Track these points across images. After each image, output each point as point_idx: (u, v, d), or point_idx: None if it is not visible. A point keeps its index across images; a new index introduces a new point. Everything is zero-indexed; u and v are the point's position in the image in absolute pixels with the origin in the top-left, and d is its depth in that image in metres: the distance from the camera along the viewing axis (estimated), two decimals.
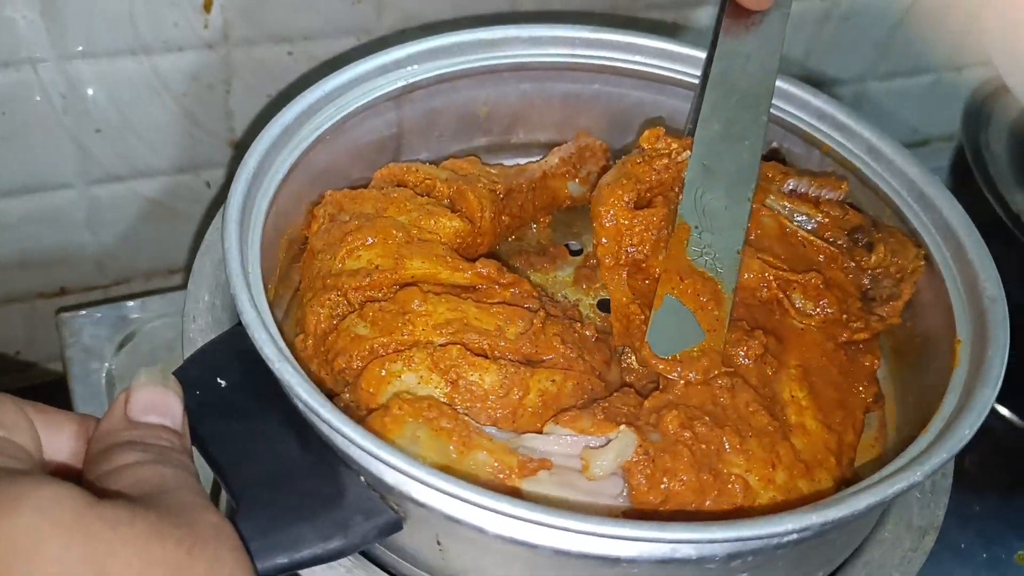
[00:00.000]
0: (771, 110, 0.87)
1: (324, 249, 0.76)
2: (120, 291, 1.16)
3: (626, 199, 0.81)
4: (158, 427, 0.60)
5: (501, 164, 0.91)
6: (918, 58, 1.36)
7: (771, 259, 0.80)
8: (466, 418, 0.67)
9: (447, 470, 0.63)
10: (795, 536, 0.59)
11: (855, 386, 0.77)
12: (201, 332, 0.73)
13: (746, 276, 0.78)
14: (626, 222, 0.80)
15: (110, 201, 1.07)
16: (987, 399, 0.67)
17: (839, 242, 0.83)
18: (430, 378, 0.67)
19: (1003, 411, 1.11)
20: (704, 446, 0.67)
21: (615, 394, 0.72)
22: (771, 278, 0.79)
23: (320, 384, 0.71)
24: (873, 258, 0.82)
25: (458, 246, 0.78)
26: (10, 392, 1.04)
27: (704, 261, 0.77)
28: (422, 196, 0.80)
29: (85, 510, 0.49)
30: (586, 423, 0.67)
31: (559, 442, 0.68)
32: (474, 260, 0.77)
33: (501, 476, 0.65)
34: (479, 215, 0.80)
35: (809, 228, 0.83)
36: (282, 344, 0.64)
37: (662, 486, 0.66)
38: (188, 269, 1.13)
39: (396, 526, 0.62)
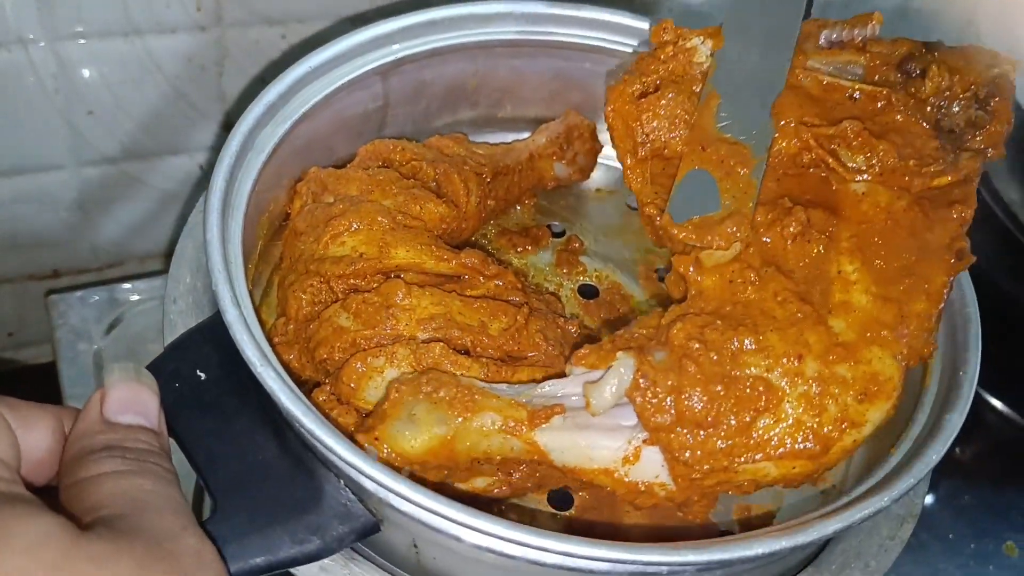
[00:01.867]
0: None
1: (307, 231, 0.75)
2: (113, 273, 1.16)
3: (630, 91, 0.77)
4: (135, 428, 0.60)
5: (487, 142, 0.91)
6: None
7: (808, 119, 0.72)
8: (471, 380, 0.66)
9: (454, 439, 0.63)
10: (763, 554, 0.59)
11: (933, 247, 0.68)
12: (182, 315, 0.72)
13: (783, 144, 0.72)
14: (632, 112, 0.76)
15: (102, 183, 1.07)
16: (954, 425, 0.67)
17: (891, 79, 0.74)
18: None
19: (995, 402, 1.11)
20: (714, 355, 0.63)
21: (641, 316, 0.70)
22: (809, 139, 0.71)
23: (301, 372, 0.71)
24: (928, 84, 0.72)
25: (443, 231, 0.78)
26: (5, 374, 1.05)
27: (732, 127, 0.72)
28: (408, 178, 0.80)
29: (72, 548, 0.49)
30: (595, 358, 0.65)
31: (575, 384, 0.65)
32: (459, 246, 0.77)
33: (513, 433, 0.63)
34: (465, 199, 0.80)
35: (856, 76, 0.75)
36: (265, 345, 0.64)
37: (666, 406, 0.62)
38: None
39: (373, 529, 0.63)
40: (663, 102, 0.76)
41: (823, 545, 0.70)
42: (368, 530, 0.63)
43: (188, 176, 1.10)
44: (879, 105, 0.72)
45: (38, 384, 1.13)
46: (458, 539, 0.58)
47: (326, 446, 0.59)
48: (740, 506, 0.74)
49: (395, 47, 0.84)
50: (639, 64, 0.79)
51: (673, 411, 0.62)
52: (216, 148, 1.08)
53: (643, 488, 0.64)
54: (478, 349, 0.70)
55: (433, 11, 0.85)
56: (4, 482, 0.54)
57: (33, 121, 0.99)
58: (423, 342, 0.68)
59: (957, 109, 0.71)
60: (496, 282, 0.74)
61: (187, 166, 1.09)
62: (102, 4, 0.93)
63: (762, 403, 0.62)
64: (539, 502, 0.72)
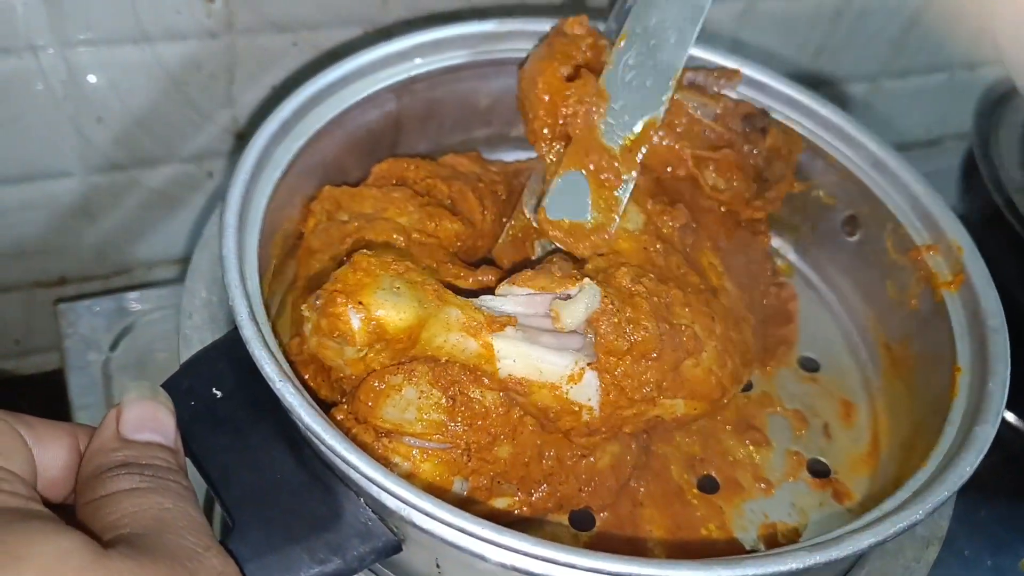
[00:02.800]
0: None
1: (322, 249, 0.75)
2: (120, 281, 1.14)
3: (561, 71, 0.81)
4: (152, 445, 0.59)
5: (501, 160, 0.90)
6: (932, 56, 1.34)
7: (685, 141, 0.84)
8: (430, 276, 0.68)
9: (423, 322, 0.65)
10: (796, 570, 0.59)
11: (756, 258, 0.84)
12: (197, 330, 0.72)
13: (663, 152, 0.83)
14: (561, 93, 0.80)
15: (110, 190, 1.06)
16: (987, 436, 0.67)
17: (734, 128, 0.84)
18: (431, 393, 0.66)
19: (1011, 418, 1.10)
20: (656, 299, 0.69)
21: (552, 257, 0.74)
22: (687, 156, 0.83)
23: (317, 391, 0.70)
24: (768, 140, 0.84)
25: (458, 249, 0.77)
26: (10, 381, 1.04)
27: (615, 137, 0.80)
28: (422, 196, 0.79)
29: (93, 566, 0.48)
30: (544, 281, 0.68)
31: (524, 303, 0.68)
32: (474, 263, 0.76)
33: (472, 332, 0.65)
34: (480, 217, 0.79)
35: (709, 116, 0.85)
36: (283, 360, 0.63)
37: (626, 334, 0.67)
38: (189, 260, 1.12)
39: (395, 548, 0.62)
40: (587, 89, 0.80)
41: (848, 568, 0.69)
42: (390, 549, 0.62)
43: (197, 183, 1.09)
44: (723, 145, 0.84)
45: (44, 392, 1.12)
46: (483, 557, 0.57)
47: (348, 463, 0.58)
48: (764, 524, 0.74)
49: (408, 65, 0.84)
50: (562, 47, 0.83)
51: (629, 340, 0.67)
52: (225, 155, 1.07)
53: (575, 408, 0.67)
54: None
55: (445, 29, 0.85)
56: (22, 499, 0.53)
57: (42, 128, 0.98)
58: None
59: (777, 166, 0.86)
60: None
61: (196, 173, 1.08)
62: (112, 11, 0.93)
63: (691, 348, 0.70)
64: (560, 523, 0.72)
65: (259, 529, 0.60)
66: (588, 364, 0.67)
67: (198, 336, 0.71)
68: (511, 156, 0.93)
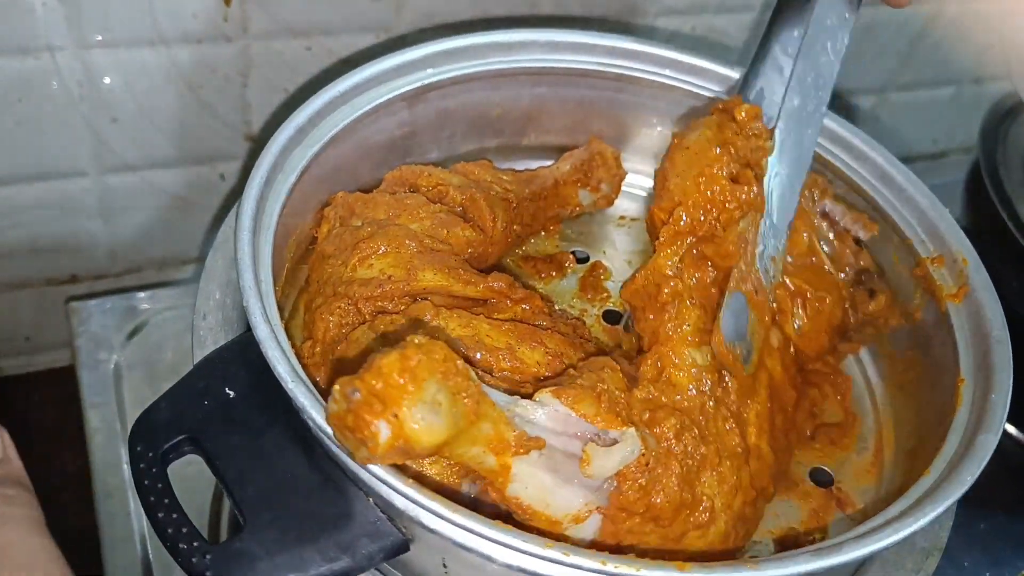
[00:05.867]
0: None
1: (335, 254, 0.75)
2: (131, 280, 1.15)
3: (724, 170, 0.77)
4: None
5: (512, 168, 0.91)
6: (939, 70, 1.35)
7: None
8: (473, 374, 0.60)
9: (454, 438, 0.58)
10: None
11: (798, 417, 0.79)
12: (211, 330, 0.73)
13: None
14: (723, 196, 0.77)
15: (124, 190, 1.07)
16: (989, 445, 0.68)
17: (846, 277, 0.83)
18: None
19: (1010, 429, 1.10)
20: (690, 462, 0.67)
21: (606, 369, 0.69)
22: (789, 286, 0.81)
23: (328, 393, 0.70)
24: (872, 305, 0.83)
25: (469, 256, 0.78)
26: (21, 378, 1.04)
27: (762, 266, 0.78)
28: (434, 203, 0.80)
29: None
30: (588, 408, 0.64)
31: (560, 422, 0.64)
32: (485, 270, 0.77)
33: (496, 451, 0.61)
34: (491, 225, 0.80)
35: (827, 251, 0.84)
36: (295, 362, 0.64)
37: (648, 497, 0.65)
38: (200, 260, 1.13)
39: (403, 548, 0.63)
40: (747, 197, 0.77)
41: None
42: (397, 549, 0.63)
43: (210, 186, 1.10)
44: (825, 289, 0.82)
45: (54, 388, 1.13)
46: (490, 558, 0.57)
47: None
48: (766, 532, 0.74)
49: (420, 75, 0.85)
50: (731, 139, 0.80)
51: (648, 504, 0.65)
52: (238, 158, 1.08)
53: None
54: (504, 372, 0.70)
55: (458, 39, 0.86)
56: None
57: (57, 127, 0.99)
58: None
59: (868, 332, 0.85)
60: (523, 306, 0.74)
61: (209, 176, 1.09)
62: (129, 13, 0.93)
63: (702, 522, 0.67)
64: None
65: (271, 527, 0.61)
66: (598, 508, 0.64)
67: (212, 337, 0.72)
68: (521, 165, 0.94)
